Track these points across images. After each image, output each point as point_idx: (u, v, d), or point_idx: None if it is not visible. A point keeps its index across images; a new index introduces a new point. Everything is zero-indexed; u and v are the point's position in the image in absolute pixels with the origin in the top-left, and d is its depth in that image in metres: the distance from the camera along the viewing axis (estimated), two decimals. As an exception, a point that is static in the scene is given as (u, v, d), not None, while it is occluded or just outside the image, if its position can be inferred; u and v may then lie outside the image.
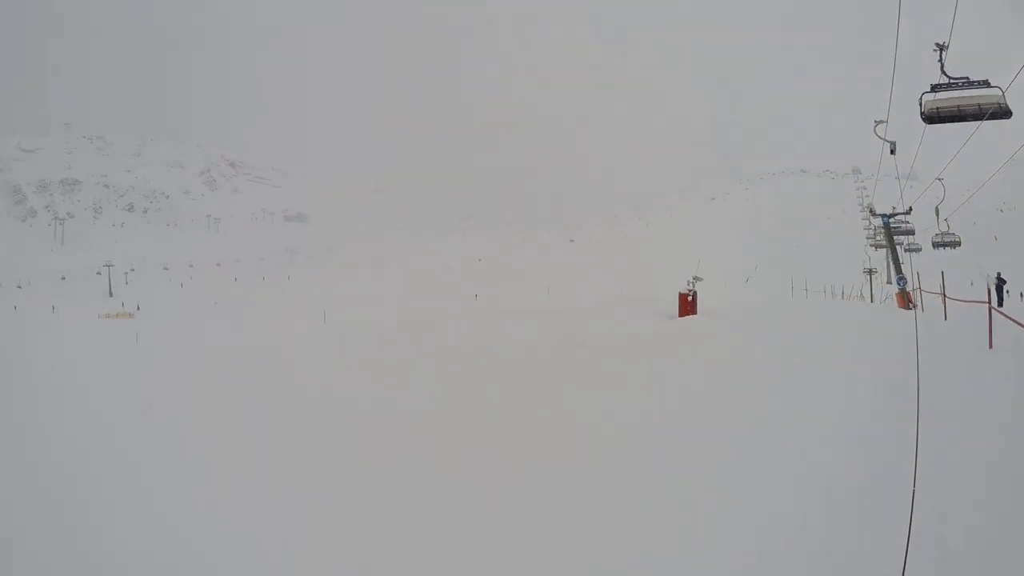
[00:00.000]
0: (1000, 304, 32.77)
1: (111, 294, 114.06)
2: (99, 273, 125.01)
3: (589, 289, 72.69)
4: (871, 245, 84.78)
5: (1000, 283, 35.91)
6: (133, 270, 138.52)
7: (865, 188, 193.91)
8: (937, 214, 34.54)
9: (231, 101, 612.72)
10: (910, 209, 35.21)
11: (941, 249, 38.29)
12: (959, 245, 38.20)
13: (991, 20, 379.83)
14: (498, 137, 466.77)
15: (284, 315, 68.63)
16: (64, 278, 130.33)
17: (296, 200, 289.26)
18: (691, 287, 32.63)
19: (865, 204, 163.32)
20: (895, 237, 41.43)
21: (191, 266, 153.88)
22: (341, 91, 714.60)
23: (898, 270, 37.25)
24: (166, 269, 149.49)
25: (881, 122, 24.31)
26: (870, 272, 69.37)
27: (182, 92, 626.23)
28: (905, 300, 34.01)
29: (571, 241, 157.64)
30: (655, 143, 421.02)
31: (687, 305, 31.94)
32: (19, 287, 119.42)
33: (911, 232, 43.10)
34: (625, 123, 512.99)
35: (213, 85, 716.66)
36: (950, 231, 37.26)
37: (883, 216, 36.47)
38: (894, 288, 35.96)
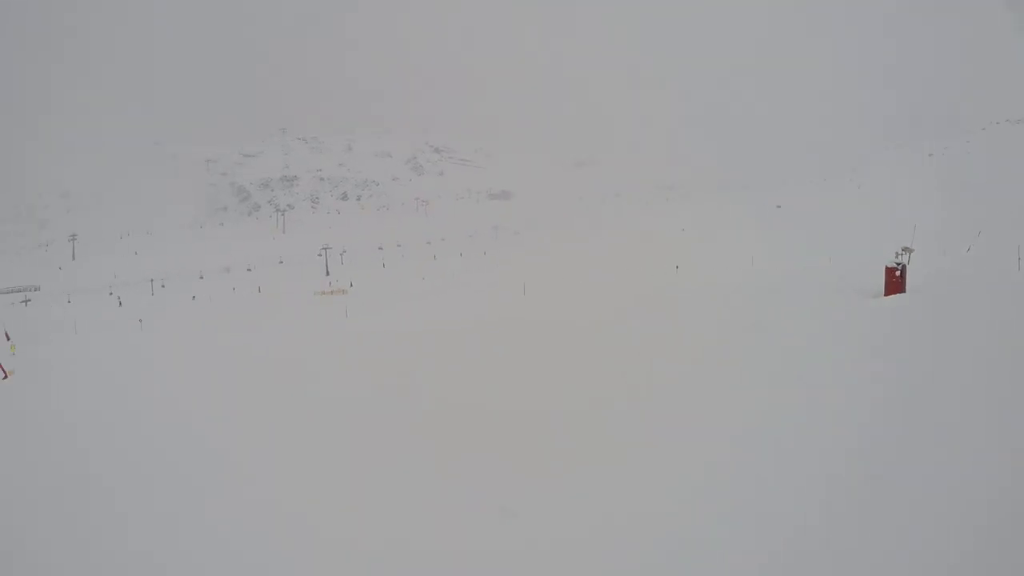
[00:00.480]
0: None
1: (327, 273, 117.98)
2: (320, 255, 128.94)
3: (793, 259, 62.82)
4: None
5: None
6: (345, 251, 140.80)
7: None
8: None
9: (434, 90, 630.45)
10: None
11: None
12: None
13: None
14: (695, 107, 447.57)
15: (487, 288, 65.19)
16: (282, 262, 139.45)
17: (499, 179, 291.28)
18: (899, 260, 26.89)
19: None
20: None
21: (399, 246, 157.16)
22: (539, 70, 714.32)
23: None
24: (380, 249, 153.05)
25: None
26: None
27: (386, 87, 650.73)
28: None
29: (778, 207, 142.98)
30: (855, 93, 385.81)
31: (894, 282, 26.36)
32: (248, 270, 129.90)
33: None
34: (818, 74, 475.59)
35: (416, 76, 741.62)
36: None
37: None
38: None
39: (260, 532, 9.64)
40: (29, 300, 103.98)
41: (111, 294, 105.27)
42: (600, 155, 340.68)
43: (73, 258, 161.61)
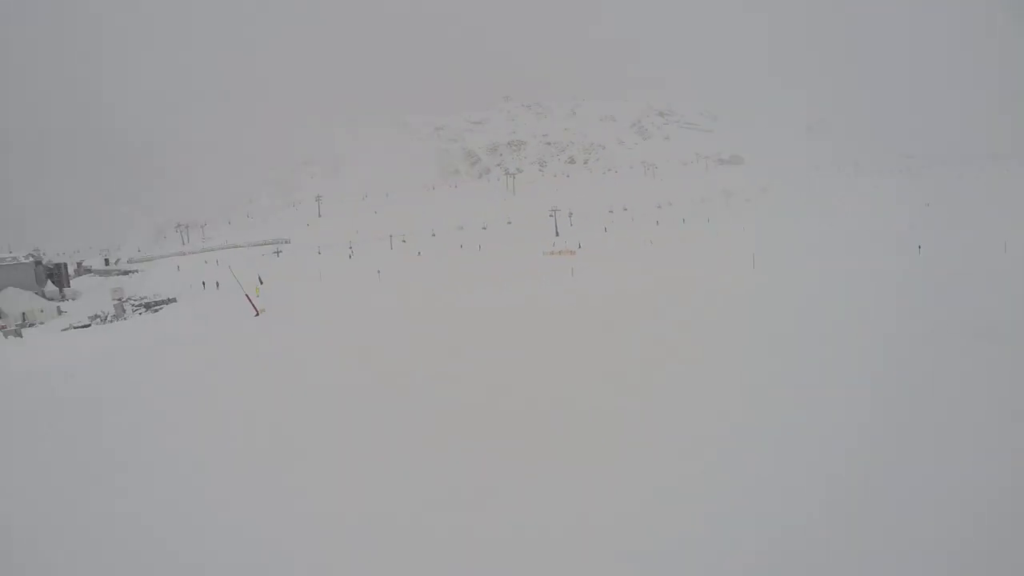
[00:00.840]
0: None
1: (557, 234, 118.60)
2: (550, 216, 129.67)
3: None
4: None
5: None
6: (573, 214, 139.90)
7: None
8: None
9: (653, 51, 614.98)
10: None
11: None
12: None
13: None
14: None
15: (711, 254, 64.00)
16: (510, 222, 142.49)
17: (728, 143, 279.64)
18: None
19: None
20: None
21: (625, 209, 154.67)
22: (763, 32, 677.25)
23: None
24: (611, 212, 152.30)
25: None
26: None
27: (606, 51, 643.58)
28: None
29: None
30: None
31: None
32: (483, 228, 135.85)
33: None
34: None
35: (632, 39, 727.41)
36: None
37: None
38: None
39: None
40: (280, 251, 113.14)
41: (351, 248, 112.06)
42: (832, 118, 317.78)
43: (319, 216, 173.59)
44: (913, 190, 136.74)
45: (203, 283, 75.65)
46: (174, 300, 67.89)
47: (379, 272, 70.03)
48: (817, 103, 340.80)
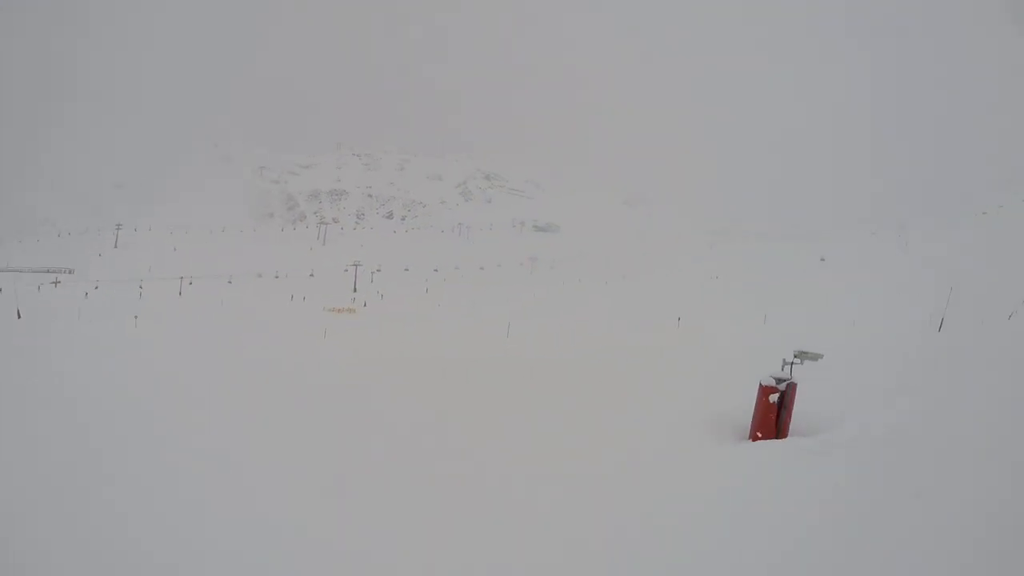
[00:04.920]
0: None
1: (355, 289, 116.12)
2: (346, 271, 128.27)
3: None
4: None
5: None
6: (380, 270, 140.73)
7: None
8: None
9: (490, 119, 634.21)
10: None
11: None
12: None
13: None
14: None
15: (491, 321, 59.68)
16: (312, 274, 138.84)
17: (547, 211, 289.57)
18: (781, 379, 13.07)
19: None
20: None
21: (436, 271, 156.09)
22: (591, 107, 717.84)
23: None
24: (406, 270, 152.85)
25: None
26: None
27: (444, 111, 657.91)
28: None
29: (821, 260, 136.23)
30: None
31: (765, 417, 12.85)
32: (276, 277, 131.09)
33: None
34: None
35: (473, 103, 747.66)
36: None
37: None
38: None
39: None
40: (59, 282, 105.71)
41: (140, 287, 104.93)
42: (651, 193, 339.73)
43: (115, 246, 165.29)
44: (713, 265, 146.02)
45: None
46: None
47: (136, 317, 65.49)
48: (636, 176, 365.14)
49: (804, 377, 13.67)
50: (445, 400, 18.15)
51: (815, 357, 13.95)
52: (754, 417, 13.13)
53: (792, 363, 13.87)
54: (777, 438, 12.77)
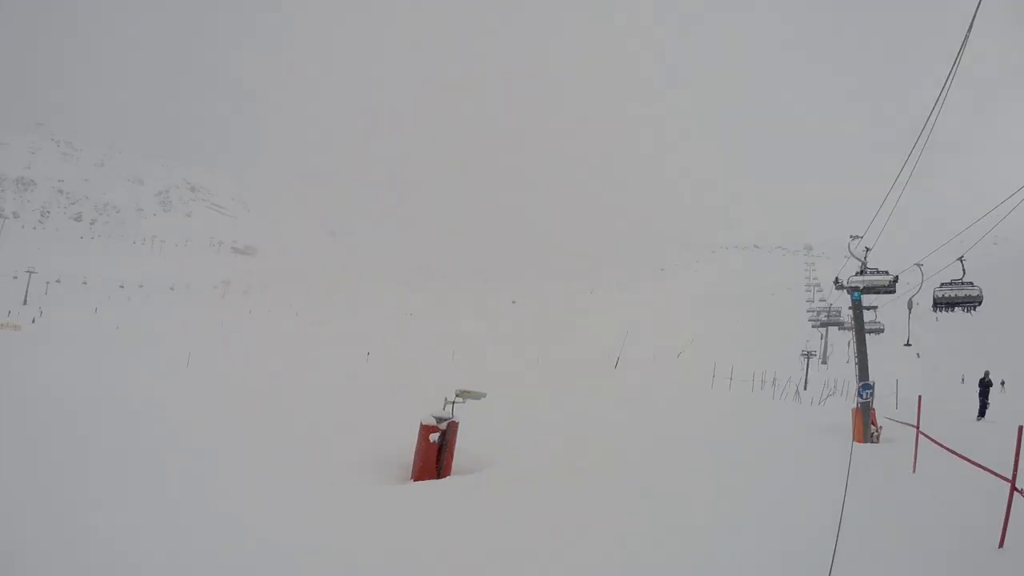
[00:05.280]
0: (982, 413, 28.28)
1: (26, 302, 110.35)
2: (15, 278, 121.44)
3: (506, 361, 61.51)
4: (816, 324, 79.07)
5: (985, 386, 28.88)
6: (59, 281, 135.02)
7: (815, 265, 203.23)
8: (910, 308, 27.44)
9: (206, 124, 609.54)
10: (896, 280, 22.47)
11: (943, 311, 26.74)
12: (979, 303, 25.39)
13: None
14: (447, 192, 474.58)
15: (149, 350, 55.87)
16: None
17: (248, 233, 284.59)
18: (442, 418, 13.72)
19: (812, 280, 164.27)
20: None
21: (122, 287, 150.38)
22: (309, 130, 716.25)
23: (864, 373, 22.22)
24: (84, 283, 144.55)
25: (857, 237, 22.09)
26: (808, 355, 66.43)
27: (161, 107, 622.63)
28: (865, 425, 20.97)
29: (513, 303, 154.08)
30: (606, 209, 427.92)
31: (427, 457, 13.48)
32: None
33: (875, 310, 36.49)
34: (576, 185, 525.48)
35: (197, 103, 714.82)
36: (965, 279, 25.11)
37: (852, 290, 22.45)
38: (853, 403, 22.28)
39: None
40: None
41: None
42: (356, 225, 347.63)
43: None
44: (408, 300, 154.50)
45: None
46: None
47: None
48: (344, 209, 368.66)
49: (468, 416, 14.67)
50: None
51: (477, 396, 14.80)
52: (416, 457, 13.51)
53: (454, 402, 14.29)
54: (439, 477, 13.36)
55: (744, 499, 11.89)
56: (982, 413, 28.39)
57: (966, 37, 11.09)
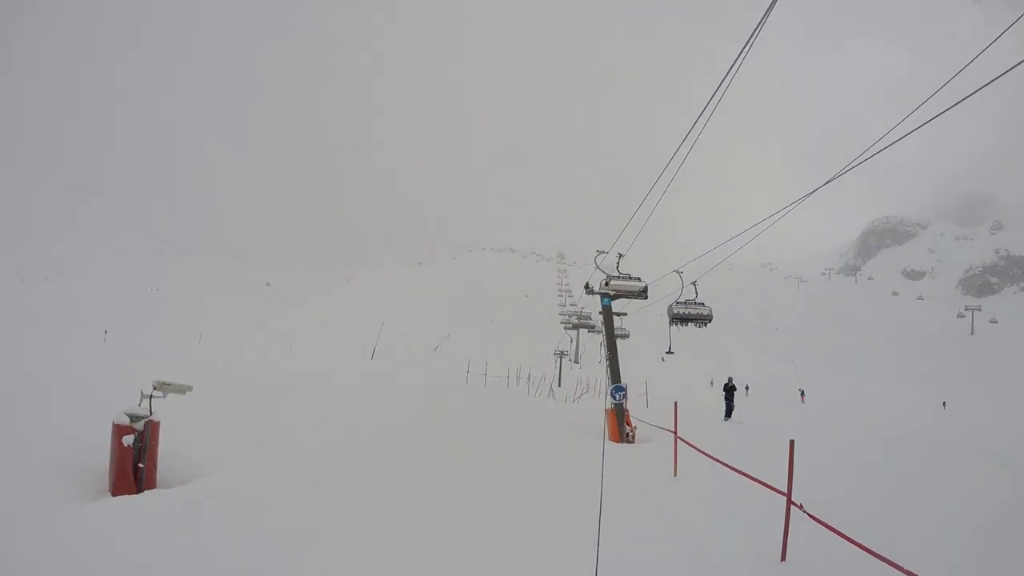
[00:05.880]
0: (728, 415, 31.66)
1: None
2: None
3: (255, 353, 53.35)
4: (568, 327, 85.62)
5: (729, 391, 33.11)
6: None
7: (567, 272, 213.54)
8: (670, 314, 27.86)
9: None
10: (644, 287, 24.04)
11: (679, 326, 28.78)
12: (709, 320, 27.84)
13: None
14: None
15: None
16: None
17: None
18: (138, 416, 11.00)
19: (564, 286, 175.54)
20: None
21: None
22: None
23: (615, 375, 23.50)
24: None
25: (602, 252, 23.70)
26: (561, 355, 68.29)
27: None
28: (620, 425, 21.80)
29: (267, 285, 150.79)
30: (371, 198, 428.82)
31: (123, 465, 10.66)
32: None
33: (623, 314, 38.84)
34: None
35: None
36: (698, 299, 27.73)
37: (603, 295, 23.94)
38: (607, 403, 22.25)
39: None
40: None
41: None
42: (103, 181, 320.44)
43: None
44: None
45: None
46: None
47: None
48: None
49: (171, 413, 11.97)
50: None
51: (182, 390, 11.98)
52: (111, 465, 10.80)
53: (152, 396, 11.56)
54: (141, 490, 10.74)
55: (505, 498, 11.80)
56: (728, 414, 31.86)
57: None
